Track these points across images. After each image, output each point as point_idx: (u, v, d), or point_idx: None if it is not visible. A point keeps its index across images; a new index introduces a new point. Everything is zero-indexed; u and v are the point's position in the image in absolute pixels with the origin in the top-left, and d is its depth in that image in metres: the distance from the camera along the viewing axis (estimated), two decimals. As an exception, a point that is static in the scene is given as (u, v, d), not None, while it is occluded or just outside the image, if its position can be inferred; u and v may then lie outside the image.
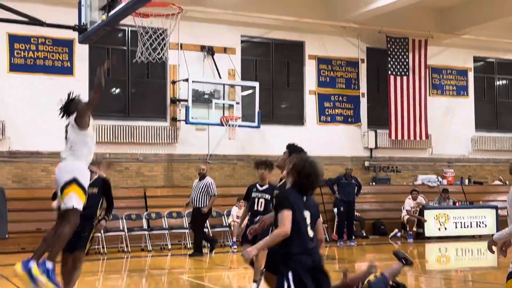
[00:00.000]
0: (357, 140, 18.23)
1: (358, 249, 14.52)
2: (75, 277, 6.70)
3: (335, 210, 15.80)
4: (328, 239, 15.67)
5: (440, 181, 18.40)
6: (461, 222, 16.24)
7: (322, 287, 4.60)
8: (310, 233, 4.62)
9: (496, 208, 16.83)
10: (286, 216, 4.48)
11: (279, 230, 4.48)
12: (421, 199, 16.35)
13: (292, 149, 6.43)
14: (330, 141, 17.67)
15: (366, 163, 18.19)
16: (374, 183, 18.15)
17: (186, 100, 15.01)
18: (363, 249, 14.69)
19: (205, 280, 10.48)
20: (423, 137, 18.45)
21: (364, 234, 16.26)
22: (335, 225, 15.79)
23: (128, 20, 9.85)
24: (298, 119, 17.78)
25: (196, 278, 10.48)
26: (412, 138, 18.33)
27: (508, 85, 20.81)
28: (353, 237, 15.23)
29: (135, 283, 10.52)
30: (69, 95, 6.29)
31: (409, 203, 16.21)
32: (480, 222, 16.31)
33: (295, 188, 4.72)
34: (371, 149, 18.27)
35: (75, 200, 5.55)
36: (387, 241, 15.81)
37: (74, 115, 6.01)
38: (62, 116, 6.24)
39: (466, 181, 19.11)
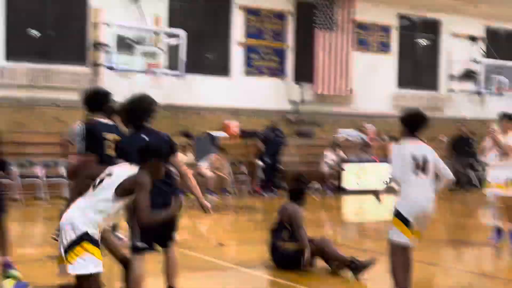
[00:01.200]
0: (282, 93, 18.34)
1: (281, 200, 14.72)
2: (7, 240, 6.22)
3: (260, 162, 15.97)
4: (251, 191, 15.92)
5: (361, 136, 18.89)
6: (380, 176, 16.76)
7: None
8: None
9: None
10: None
11: None
12: (341, 153, 16.77)
13: None
14: (255, 94, 17.71)
15: (291, 117, 18.38)
16: (297, 137, 18.40)
17: (109, 45, 14.57)
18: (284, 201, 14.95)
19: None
20: (346, 92, 18.79)
21: (286, 186, 16.54)
22: (260, 177, 16.02)
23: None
24: (224, 70, 17.65)
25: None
26: (336, 93, 18.63)
27: (429, 43, 21.40)
28: (276, 189, 15.50)
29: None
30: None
31: (330, 157, 16.61)
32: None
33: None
34: (296, 103, 18.46)
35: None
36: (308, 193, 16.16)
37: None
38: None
39: (386, 137, 19.68)
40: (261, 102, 17.77)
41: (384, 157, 18.10)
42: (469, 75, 20.93)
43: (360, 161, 17.06)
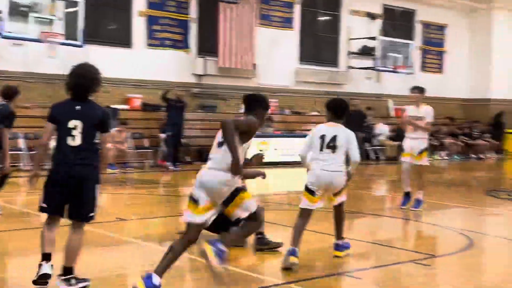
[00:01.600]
0: (185, 66, 18.14)
1: (183, 174, 14.70)
2: None
3: (162, 135, 15.76)
4: (154, 165, 15.73)
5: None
6: (281, 149, 17.10)
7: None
8: (74, 142, 4.88)
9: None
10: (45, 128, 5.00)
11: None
12: None
13: None
14: (158, 66, 17.41)
15: (194, 90, 18.24)
16: (201, 110, 18.32)
17: (1, 12, 13.80)
18: (187, 174, 14.88)
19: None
20: (250, 67, 18.86)
21: (189, 160, 16.48)
22: (163, 150, 15.84)
23: None
24: (125, 41, 17.19)
25: (10, 203, 9.91)
26: (239, 66, 18.65)
27: (330, 20, 21.84)
28: (178, 162, 15.40)
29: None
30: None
31: None
32: (297, 149, 17.25)
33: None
34: (199, 76, 18.32)
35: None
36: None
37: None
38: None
39: (287, 111, 20.02)
40: (164, 74, 17.50)
41: (286, 131, 18.47)
42: (367, 52, 21.61)
43: (263, 135, 17.22)
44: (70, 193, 4.89)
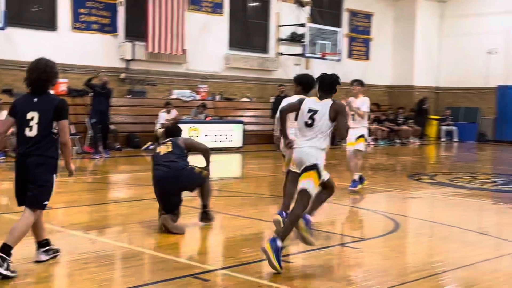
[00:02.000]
0: (113, 50, 17.71)
1: (112, 161, 14.41)
2: None
3: (88, 121, 15.36)
4: (81, 150, 15.33)
5: (194, 96, 18.94)
6: (211, 136, 17.04)
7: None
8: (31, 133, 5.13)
9: (243, 123, 17.99)
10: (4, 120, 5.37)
11: None
12: (175, 112, 16.70)
13: None
14: (84, 50, 16.94)
15: (122, 75, 17.87)
16: (129, 96, 17.97)
17: None
18: (116, 161, 14.61)
19: None
20: (179, 52, 18.63)
21: (118, 146, 16.16)
22: (90, 137, 15.46)
23: None
24: (50, 24, 16.60)
25: None
26: (169, 52, 18.38)
27: (260, 6, 21.84)
28: (107, 149, 15.06)
29: None
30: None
31: (163, 116, 16.46)
32: (228, 135, 17.30)
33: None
34: (127, 61, 17.95)
35: (312, 185, 5.76)
36: (140, 153, 15.97)
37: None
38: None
39: (218, 97, 19.95)
40: (90, 59, 17.05)
41: (216, 117, 18.40)
42: (296, 39, 21.78)
43: (194, 121, 17.12)
44: (27, 181, 5.18)
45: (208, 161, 7.31)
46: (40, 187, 5.15)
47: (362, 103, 10.23)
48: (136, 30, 18.04)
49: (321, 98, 6.06)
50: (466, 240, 7.21)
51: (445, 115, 25.13)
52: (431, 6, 25.77)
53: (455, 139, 24.33)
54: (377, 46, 25.40)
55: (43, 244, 5.46)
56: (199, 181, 7.08)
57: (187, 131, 16.44)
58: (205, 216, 7.23)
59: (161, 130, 16.25)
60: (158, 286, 4.97)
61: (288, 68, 22.06)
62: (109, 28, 17.60)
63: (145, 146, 16.15)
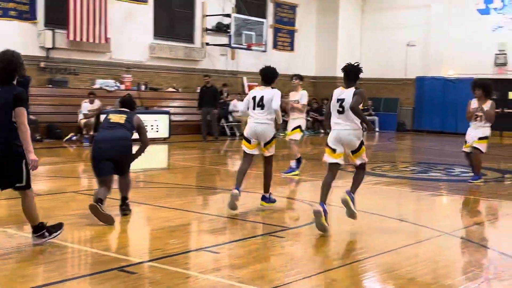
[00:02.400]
0: (32, 38, 17.13)
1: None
2: None
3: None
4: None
5: (118, 86, 18.58)
6: (136, 126, 16.78)
7: None
8: None
9: (169, 113, 17.82)
10: None
11: None
12: (98, 103, 16.33)
13: None
14: (1, 38, 16.23)
15: (42, 64, 17.30)
16: (50, 85, 17.43)
17: None
18: (37, 152, 14.10)
19: None
20: (103, 41, 18.21)
21: (38, 137, 15.63)
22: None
23: None
24: (-36, 9, 15.86)
25: None
26: (91, 40, 17.93)
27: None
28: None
29: None
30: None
31: (86, 107, 16.09)
32: (154, 126, 17.09)
33: None
34: (47, 49, 17.38)
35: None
36: (62, 144, 15.55)
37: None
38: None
39: (143, 87, 19.66)
40: (8, 47, 16.26)
41: (142, 108, 18.13)
42: (221, 29, 21.75)
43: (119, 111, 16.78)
44: None
45: (139, 154, 7.38)
46: (12, 173, 5.61)
47: (301, 96, 11.35)
48: (57, 18, 17.50)
49: (347, 86, 6.99)
50: (386, 227, 7.46)
51: (367, 106, 25.80)
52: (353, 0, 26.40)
53: (376, 129, 25.06)
54: (302, 38, 25.76)
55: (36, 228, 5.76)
56: (130, 161, 7.23)
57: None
58: (126, 209, 7.26)
59: (84, 120, 15.90)
60: (82, 281, 4.87)
61: (214, 58, 22.07)
62: (28, 15, 16.98)
63: (67, 137, 15.72)
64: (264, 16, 23.67)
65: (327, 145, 7.16)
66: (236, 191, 7.65)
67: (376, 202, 9.08)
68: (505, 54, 23.60)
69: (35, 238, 5.75)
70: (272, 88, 8.26)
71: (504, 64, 23.69)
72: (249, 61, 23.28)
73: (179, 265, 5.34)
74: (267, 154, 8.16)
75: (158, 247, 5.97)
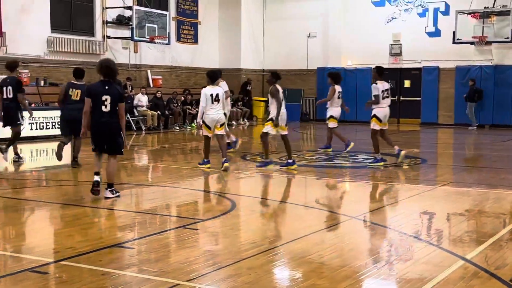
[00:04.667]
0: None
1: None
2: None
3: None
4: None
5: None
6: (36, 123, 16.22)
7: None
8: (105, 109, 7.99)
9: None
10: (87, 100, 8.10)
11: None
12: None
13: None
14: None
15: None
16: None
17: None
18: None
19: None
20: (-3, 34, 17.40)
21: None
22: None
23: None
24: None
25: None
26: (-15, 34, 17.08)
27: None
28: None
29: None
30: None
31: None
32: (55, 122, 16.56)
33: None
34: None
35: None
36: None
37: None
38: None
39: (42, 82, 18.96)
40: None
41: (42, 104, 17.52)
42: (123, 22, 21.36)
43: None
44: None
45: None
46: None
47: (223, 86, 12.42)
48: None
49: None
50: (295, 214, 7.71)
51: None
52: (255, -9, 26.70)
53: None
54: (205, 30, 25.78)
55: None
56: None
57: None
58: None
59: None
60: None
61: (117, 52, 21.64)
62: None
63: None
64: (166, 9, 23.46)
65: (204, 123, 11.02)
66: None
67: (285, 191, 9.35)
68: (400, 44, 24.73)
69: (107, 192, 8.05)
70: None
71: (399, 54, 24.84)
72: (153, 54, 23.05)
73: (93, 263, 5.29)
74: (218, 132, 11.15)
75: (70, 246, 5.87)
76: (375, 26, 24.88)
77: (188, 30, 25.08)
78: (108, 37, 21.23)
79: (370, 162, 12.24)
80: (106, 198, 8.00)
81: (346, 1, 25.55)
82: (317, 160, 13.24)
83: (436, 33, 24.29)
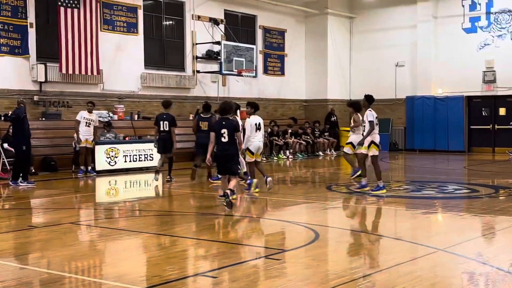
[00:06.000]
0: (25, 73, 17.31)
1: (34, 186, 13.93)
2: None
3: (5, 145, 14.93)
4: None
5: (111, 116, 18.72)
6: (130, 155, 16.91)
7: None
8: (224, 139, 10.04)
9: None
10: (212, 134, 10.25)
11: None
12: (95, 116, 16.22)
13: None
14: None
15: (35, 98, 17.44)
16: (43, 118, 17.55)
17: None
18: (37, 186, 14.15)
19: None
20: (95, 72, 18.42)
21: (33, 171, 15.64)
22: (5, 161, 14.96)
23: None
24: (-44, 46, 16.05)
25: None
26: (83, 72, 18.15)
27: (175, 25, 21.93)
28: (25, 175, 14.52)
29: None
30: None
31: (82, 115, 15.76)
32: (147, 155, 17.19)
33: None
34: (40, 83, 17.56)
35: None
36: (57, 176, 15.61)
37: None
38: None
39: (136, 116, 19.80)
40: (1, 82, 16.59)
41: (135, 137, 18.25)
42: (212, 56, 22.00)
43: (112, 142, 16.92)
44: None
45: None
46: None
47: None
48: (49, 51, 17.72)
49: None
50: (382, 245, 7.56)
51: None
52: (340, 22, 26.72)
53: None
54: (292, 62, 26.05)
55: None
56: None
57: (104, 152, 16.26)
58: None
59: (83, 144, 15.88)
60: None
61: (206, 86, 22.28)
62: (20, 50, 17.18)
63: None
64: (253, 43, 23.97)
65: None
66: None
67: (371, 222, 9.20)
68: (494, 71, 23.87)
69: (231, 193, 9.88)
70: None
71: (493, 81, 23.97)
72: (240, 87, 23.50)
73: (177, 291, 5.41)
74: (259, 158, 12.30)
75: (156, 274, 6.05)
76: (466, 53, 24.22)
77: (274, 63, 25.44)
78: (198, 71, 21.92)
79: (372, 190, 12.03)
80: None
81: (436, 29, 25.06)
82: (406, 191, 12.93)
83: (532, 59, 23.30)
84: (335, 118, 25.41)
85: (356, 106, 14.06)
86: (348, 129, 25.86)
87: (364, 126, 12.11)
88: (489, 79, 24.02)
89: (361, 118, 13.60)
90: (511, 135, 23.82)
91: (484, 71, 24.07)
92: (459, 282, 5.92)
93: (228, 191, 9.82)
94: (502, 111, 24.27)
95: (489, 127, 24.30)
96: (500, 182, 14.67)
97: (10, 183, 13.63)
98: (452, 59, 24.44)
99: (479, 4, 24.21)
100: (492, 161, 20.54)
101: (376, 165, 12.00)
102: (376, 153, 11.93)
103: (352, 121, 14.31)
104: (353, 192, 12.28)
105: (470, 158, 22.19)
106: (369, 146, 11.88)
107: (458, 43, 24.49)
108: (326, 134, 24.43)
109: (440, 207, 10.90)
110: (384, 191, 11.87)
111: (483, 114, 24.43)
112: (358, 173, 13.43)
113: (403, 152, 25.20)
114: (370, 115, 11.87)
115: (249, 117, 12.25)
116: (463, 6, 24.55)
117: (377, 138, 11.93)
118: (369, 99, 12.28)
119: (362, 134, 12.33)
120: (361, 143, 12.10)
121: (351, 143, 14.11)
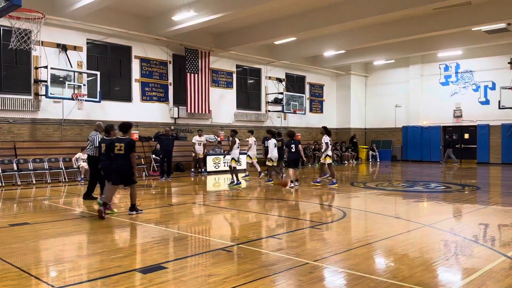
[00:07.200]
0: (166, 112, 18.00)
1: (171, 181, 14.43)
2: None
3: (153, 156, 15.58)
4: (147, 174, 15.42)
5: (216, 138, 19.15)
6: (225, 163, 17.18)
7: None
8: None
9: (246, 153, 17.99)
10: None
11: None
12: (204, 138, 16.58)
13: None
14: (149, 113, 17.25)
15: (172, 127, 18.08)
16: (178, 140, 18.11)
17: (46, 81, 13.36)
18: (172, 181, 14.64)
19: (60, 202, 9.57)
20: (207, 112, 18.94)
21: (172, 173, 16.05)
22: (154, 165, 15.62)
23: (1, 21, 8.33)
24: (127, 97, 16.93)
25: (56, 203, 9.51)
26: (200, 112, 18.69)
27: (254, 83, 22.16)
28: (168, 175, 14.91)
29: (9, 208, 9.17)
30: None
31: (196, 138, 16.36)
32: (240, 162, 17.31)
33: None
34: (175, 118, 18.22)
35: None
36: (184, 174, 16.04)
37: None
38: None
39: (230, 139, 20.04)
40: (152, 118, 17.35)
41: (229, 151, 18.48)
42: (277, 101, 22.13)
43: (216, 154, 17.32)
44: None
45: None
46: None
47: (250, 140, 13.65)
48: (180, 99, 18.37)
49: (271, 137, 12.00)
50: (387, 221, 7.38)
51: (371, 145, 25.44)
52: (359, 79, 26.29)
53: (378, 160, 24.53)
54: (327, 104, 25.79)
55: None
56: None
57: (212, 160, 16.49)
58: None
59: (200, 155, 16.24)
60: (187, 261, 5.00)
61: (273, 119, 22.38)
62: (163, 98, 17.91)
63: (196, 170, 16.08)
64: (303, 92, 23.93)
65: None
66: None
67: (379, 206, 8.96)
68: (461, 109, 22.82)
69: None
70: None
71: (460, 116, 22.89)
72: (295, 120, 23.51)
73: (258, 247, 5.47)
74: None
75: (243, 235, 6.13)
76: (443, 98, 23.26)
77: (317, 104, 25.27)
78: (269, 110, 22.06)
79: (329, 185, 11.98)
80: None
81: (422, 83, 24.20)
82: (403, 187, 12.50)
83: (486, 102, 22.09)
84: (355, 139, 24.94)
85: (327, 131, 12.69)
86: (365, 147, 25.79)
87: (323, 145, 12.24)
88: (457, 115, 22.95)
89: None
90: (472, 151, 22.61)
91: (454, 110, 23.00)
92: (438, 247, 5.72)
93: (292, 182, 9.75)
94: (466, 136, 23.07)
95: (458, 146, 23.15)
96: (465, 182, 13.95)
97: (160, 179, 14.20)
98: (433, 102, 23.50)
99: (450, 66, 23.27)
100: (460, 168, 19.51)
101: (331, 168, 12.26)
102: (330, 161, 12.14)
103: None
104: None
105: (445, 166, 21.17)
106: (325, 157, 12.12)
107: (436, 92, 23.55)
108: (349, 149, 23.98)
109: (426, 198, 10.49)
110: (336, 185, 11.93)
111: (454, 137, 23.30)
112: (328, 175, 13.22)
113: (401, 161, 24.32)
114: (327, 138, 12.05)
115: (269, 140, 12.69)
116: (439, 68, 23.65)
117: (330, 153, 12.20)
118: (326, 130, 12.21)
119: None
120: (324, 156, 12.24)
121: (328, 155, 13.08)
